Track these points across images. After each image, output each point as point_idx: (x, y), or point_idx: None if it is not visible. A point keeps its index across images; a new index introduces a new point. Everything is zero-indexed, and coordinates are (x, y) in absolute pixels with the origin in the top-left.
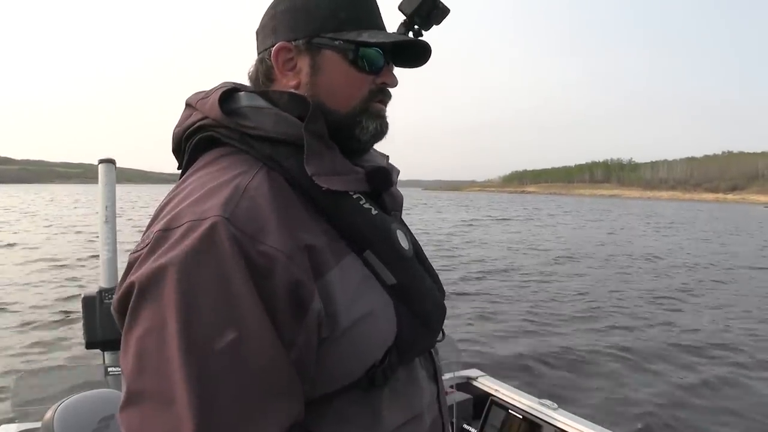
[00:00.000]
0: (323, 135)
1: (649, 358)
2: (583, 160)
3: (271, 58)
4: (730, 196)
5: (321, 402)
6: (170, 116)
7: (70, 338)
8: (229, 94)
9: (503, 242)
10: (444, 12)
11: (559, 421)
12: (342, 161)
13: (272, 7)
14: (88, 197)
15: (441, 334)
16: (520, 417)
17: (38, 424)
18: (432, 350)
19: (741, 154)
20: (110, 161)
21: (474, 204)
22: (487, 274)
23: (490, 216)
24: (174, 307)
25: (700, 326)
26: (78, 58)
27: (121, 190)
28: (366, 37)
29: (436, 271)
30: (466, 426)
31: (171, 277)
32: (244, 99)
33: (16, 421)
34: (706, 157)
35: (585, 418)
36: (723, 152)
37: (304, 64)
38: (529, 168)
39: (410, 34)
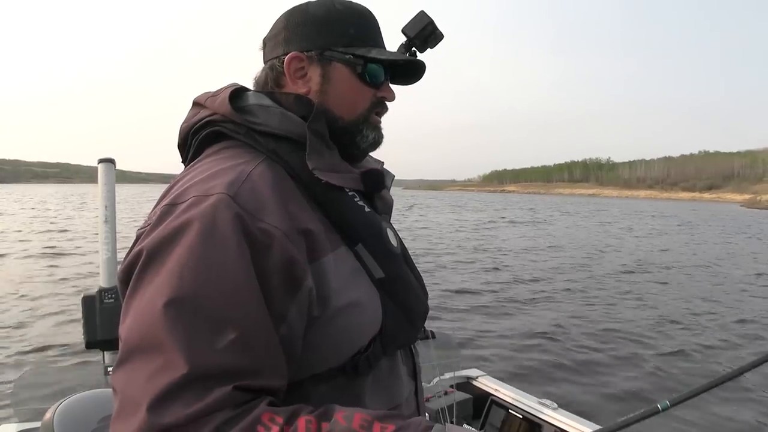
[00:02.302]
0: (324, 135)
1: (655, 359)
2: (561, 160)
3: (283, 66)
4: (706, 195)
5: (307, 386)
6: (148, 116)
7: (69, 338)
8: (237, 93)
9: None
10: (439, 37)
11: (559, 420)
12: (340, 161)
13: (285, 18)
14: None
15: (423, 332)
16: (520, 417)
17: (38, 424)
18: (413, 349)
19: (717, 153)
20: (110, 161)
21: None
22: (489, 273)
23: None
24: (174, 272)
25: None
26: (53, 56)
27: (93, 189)
28: (375, 53)
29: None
30: (466, 426)
31: (176, 243)
32: (252, 98)
33: (16, 421)
34: (683, 156)
35: (585, 418)
36: (699, 152)
37: (314, 73)
38: (509, 167)
39: (407, 55)
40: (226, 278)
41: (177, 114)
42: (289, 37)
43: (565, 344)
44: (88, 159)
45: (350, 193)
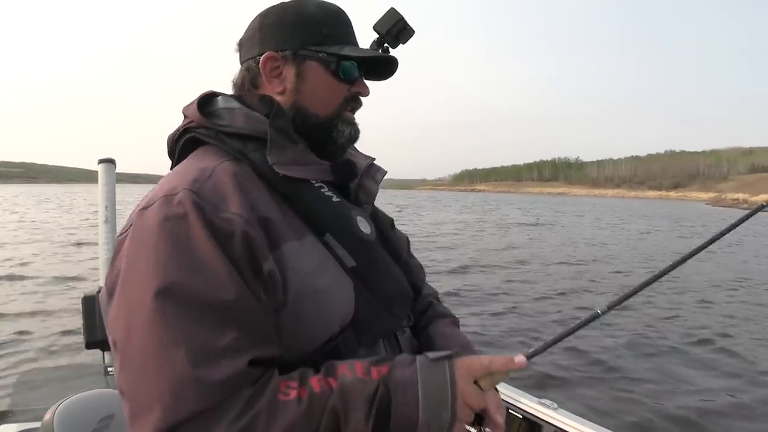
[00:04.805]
0: (287, 130)
1: (655, 360)
2: (531, 159)
3: (259, 66)
4: (672, 194)
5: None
6: (116, 117)
7: (69, 338)
8: (209, 98)
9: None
10: (410, 33)
11: (559, 421)
12: (306, 154)
13: (259, 19)
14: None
15: (409, 320)
16: (520, 417)
17: (38, 424)
18: (400, 338)
19: (683, 153)
20: (110, 161)
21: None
22: (492, 272)
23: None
24: (154, 269)
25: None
26: (16, 54)
27: (61, 189)
28: (347, 51)
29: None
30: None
31: (150, 243)
32: (220, 102)
33: (16, 421)
34: (650, 156)
35: (585, 418)
36: (666, 151)
37: (289, 72)
38: (479, 167)
39: (380, 51)
40: (202, 263)
41: (144, 117)
42: (263, 37)
43: (569, 343)
44: (53, 158)
45: (317, 185)
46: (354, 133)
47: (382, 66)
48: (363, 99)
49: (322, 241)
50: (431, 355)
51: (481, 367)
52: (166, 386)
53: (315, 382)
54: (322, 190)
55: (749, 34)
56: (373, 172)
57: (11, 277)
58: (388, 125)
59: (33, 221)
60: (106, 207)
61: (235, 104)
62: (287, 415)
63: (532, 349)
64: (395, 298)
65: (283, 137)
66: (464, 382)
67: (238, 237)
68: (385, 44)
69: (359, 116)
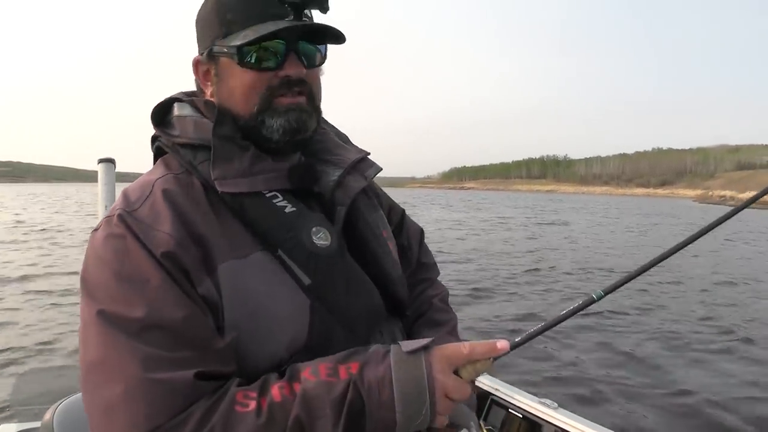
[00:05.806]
0: (233, 137)
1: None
2: (519, 157)
3: (194, 72)
4: (660, 191)
5: None
6: (100, 116)
7: (70, 338)
8: (167, 106)
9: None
10: None
11: (559, 420)
12: (257, 161)
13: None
14: None
15: (381, 336)
16: (520, 416)
17: (38, 424)
18: None
19: (670, 150)
20: (110, 161)
21: None
22: (486, 269)
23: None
24: (95, 291)
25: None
26: (4, 49)
27: (47, 188)
28: (242, 38)
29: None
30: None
31: (92, 265)
32: (175, 109)
33: (16, 421)
34: (638, 153)
35: (586, 418)
36: (653, 149)
37: (213, 74)
38: (468, 164)
39: (314, 13)
40: (143, 282)
41: (136, 115)
42: (197, 39)
43: (569, 342)
44: (40, 157)
45: (269, 195)
46: (291, 123)
47: (315, 34)
48: (333, 86)
49: (277, 257)
50: (406, 346)
51: (461, 356)
52: (116, 404)
53: (276, 389)
54: (274, 201)
55: (738, 33)
56: (364, 167)
57: (12, 278)
58: (377, 124)
59: (32, 221)
60: (105, 207)
61: (187, 111)
62: (245, 429)
63: (518, 338)
64: (359, 317)
65: (229, 145)
66: (443, 375)
67: (170, 256)
68: (309, 7)
69: (342, 116)
